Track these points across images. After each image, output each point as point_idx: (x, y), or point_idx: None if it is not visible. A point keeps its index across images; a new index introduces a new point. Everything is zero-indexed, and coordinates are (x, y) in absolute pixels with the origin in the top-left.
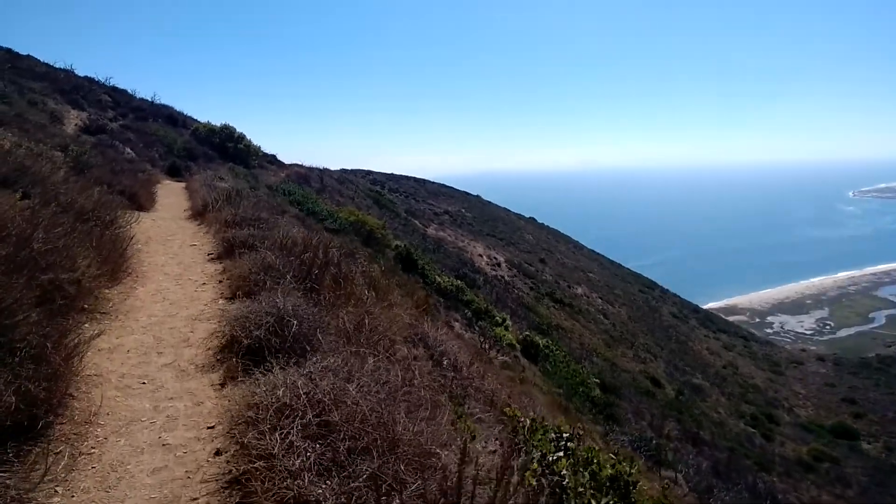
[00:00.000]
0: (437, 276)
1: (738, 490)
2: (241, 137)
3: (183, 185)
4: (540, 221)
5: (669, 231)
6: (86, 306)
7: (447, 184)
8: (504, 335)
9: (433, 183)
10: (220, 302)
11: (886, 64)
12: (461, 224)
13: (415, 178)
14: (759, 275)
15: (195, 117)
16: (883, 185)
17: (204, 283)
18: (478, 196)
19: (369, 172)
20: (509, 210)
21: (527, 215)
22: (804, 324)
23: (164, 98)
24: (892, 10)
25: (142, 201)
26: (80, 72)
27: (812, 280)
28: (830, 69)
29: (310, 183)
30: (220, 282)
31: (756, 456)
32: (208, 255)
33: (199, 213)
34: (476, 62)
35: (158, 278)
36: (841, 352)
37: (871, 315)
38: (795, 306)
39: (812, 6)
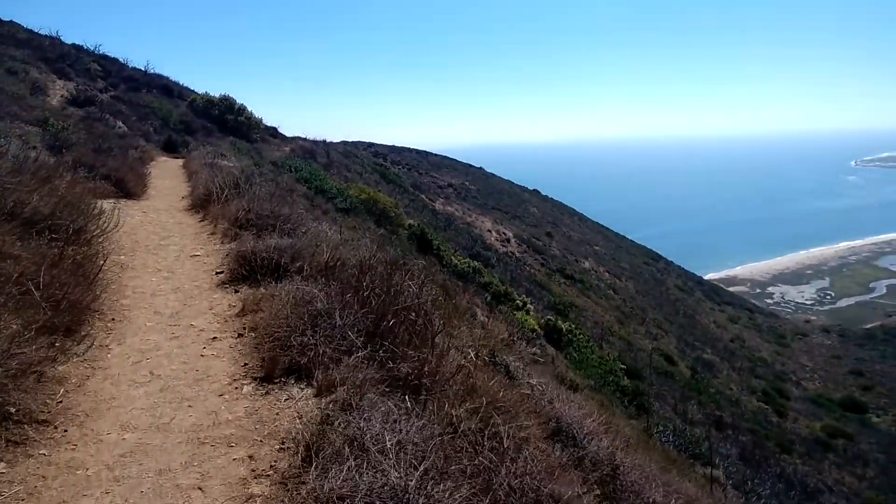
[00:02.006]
0: (452, 257)
1: (769, 479)
2: (242, 109)
3: (180, 162)
4: (544, 194)
5: (670, 202)
6: None
7: (449, 156)
8: (526, 320)
9: (435, 155)
10: (245, 388)
11: (890, 33)
12: (466, 198)
13: (417, 150)
14: (760, 245)
15: (192, 88)
16: (886, 154)
17: (215, 338)
18: (481, 168)
19: (371, 144)
20: (513, 182)
21: (530, 187)
22: (805, 294)
23: (159, 67)
24: None
25: (131, 187)
26: (67, 39)
27: (812, 250)
28: (833, 38)
29: (316, 158)
30: (240, 335)
31: (775, 437)
32: (216, 272)
33: (200, 204)
34: (477, 32)
35: (144, 324)
36: (842, 321)
37: (871, 285)
38: (796, 276)
39: None
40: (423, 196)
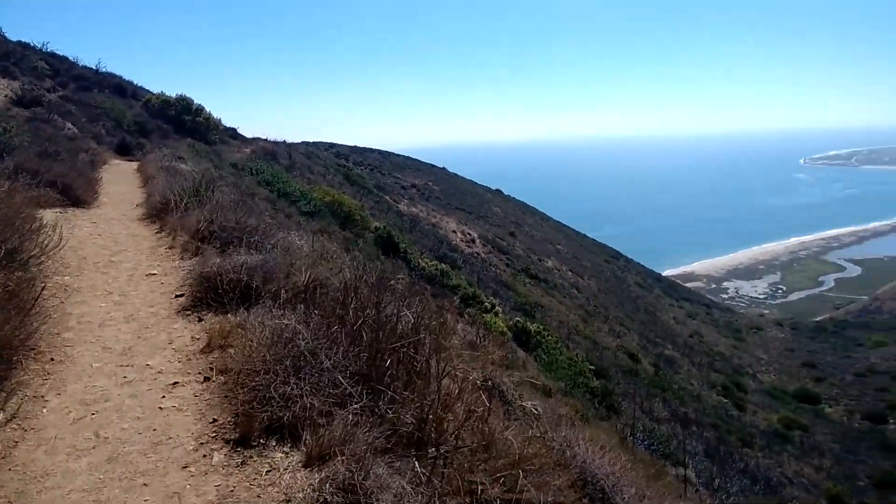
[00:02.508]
0: (419, 260)
1: (735, 475)
2: (200, 110)
3: (135, 165)
4: (506, 193)
5: (628, 202)
6: None
7: (411, 156)
8: (495, 322)
9: (398, 155)
10: (216, 456)
11: (835, 37)
12: (430, 198)
13: (379, 150)
14: (715, 242)
15: (147, 88)
16: (832, 153)
17: (176, 384)
18: (443, 168)
19: (332, 145)
20: (475, 182)
21: (493, 187)
22: (758, 288)
23: (111, 66)
24: None
25: (79, 193)
26: (12, 36)
27: (765, 246)
28: (782, 42)
29: (277, 159)
30: (207, 378)
31: (737, 431)
32: (176, 295)
33: (157, 213)
34: (438, 29)
35: (90, 364)
36: (793, 315)
37: (820, 279)
38: (749, 272)
39: None
40: (387, 197)
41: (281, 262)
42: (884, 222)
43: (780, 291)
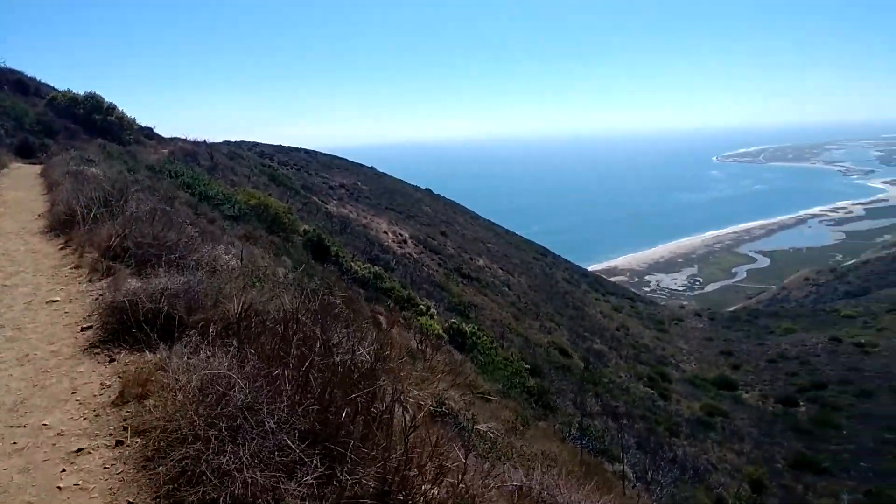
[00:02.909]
0: (352, 264)
1: (666, 466)
2: (112, 108)
3: (38, 169)
4: (436, 193)
5: (554, 199)
6: None
7: (339, 155)
8: (430, 325)
9: (325, 154)
10: None
11: (744, 41)
12: (359, 198)
13: (305, 149)
14: (636, 237)
15: (53, 85)
16: (742, 150)
17: (80, 451)
18: (372, 168)
19: (256, 144)
20: (405, 182)
21: (423, 187)
22: (677, 281)
23: (11, 62)
24: None
25: None
26: None
27: (683, 240)
28: (695, 45)
29: (198, 161)
30: (120, 442)
31: (664, 421)
32: (83, 328)
33: (61, 226)
34: (363, 27)
35: None
36: (710, 305)
37: (733, 270)
38: (669, 265)
39: None
40: (315, 198)
41: (208, 287)
42: (789, 215)
43: (697, 283)
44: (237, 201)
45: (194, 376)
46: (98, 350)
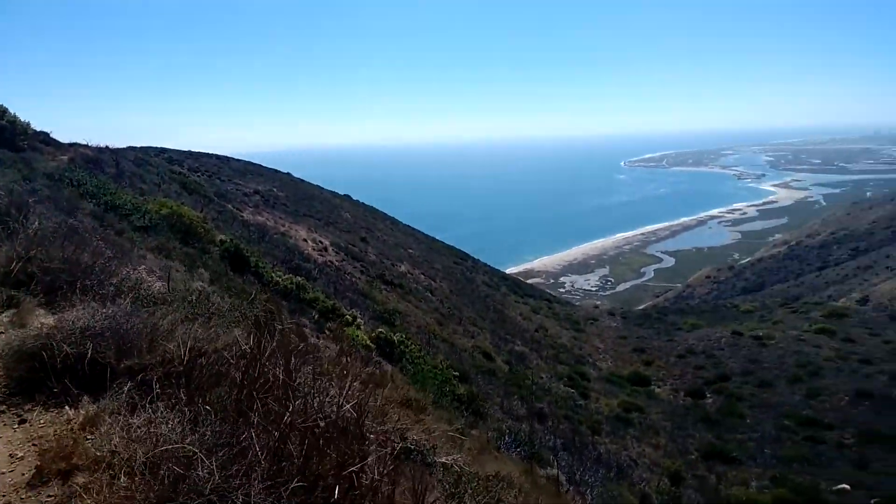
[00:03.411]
0: (272, 274)
1: (591, 465)
2: (3, 111)
3: None
4: (355, 198)
5: (471, 204)
6: None
7: (252, 161)
8: (357, 335)
9: (238, 160)
10: None
11: (644, 53)
12: (275, 205)
13: (217, 155)
14: (551, 240)
15: None
16: (648, 156)
17: None
18: (288, 173)
19: (163, 150)
20: (322, 188)
21: (341, 192)
22: (590, 281)
23: None
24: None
25: None
26: None
27: (595, 242)
28: (601, 58)
29: (102, 168)
30: None
31: (586, 420)
32: None
33: None
34: (265, 31)
35: None
36: (622, 304)
37: (642, 270)
38: (582, 266)
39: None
40: (229, 206)
41: (139, 323)
42: (691, 217)
43: (609, 283)
44: (147, 211)
45: (139, 448)
46: (2, 409)
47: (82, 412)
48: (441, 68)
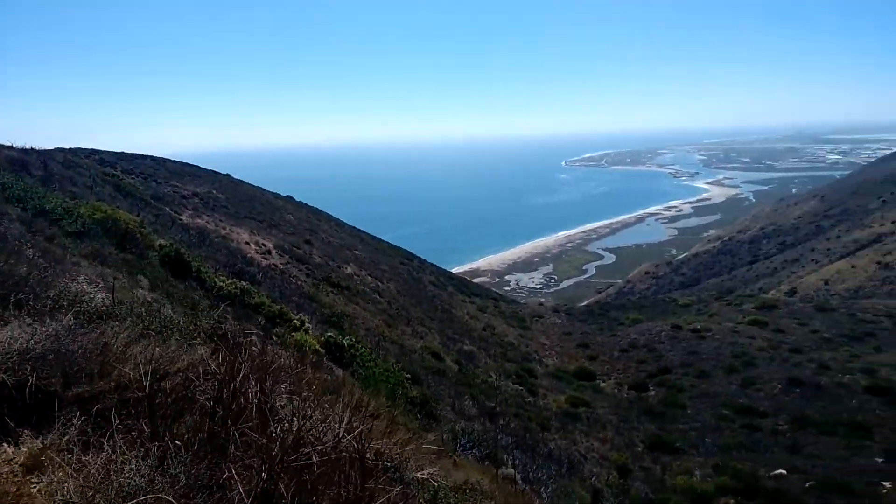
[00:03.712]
0: (216, 280)
1: (543, 462)
2: None
3: None
4: (298, 200)
5: (414, 204)
6: None
7: (189, 162)
8: (306, 340)
9: (174, 162)
10: None
11: (584, 57)
12: (215, 208)
13: (152, 156)
14: (496, 239)
15: None
16: (588, 155)
17: None
18: (227, 175)
19: (94, 151)
20: (264, 189)
21: (283, 194)
22: (534, 279)
23: None
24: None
25: None
26: None
27: (538, 241)
28: (549, 63)
29: (29, 171)
30: None
31: (536, 417)
32: None
33: None
34: (198, 27)
35: None
36: (565, 301)
37: (584, 267)
38: (526, 264)
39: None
40: (167, 209)
41: (87, 343)
42: (630, 215)
43: (553, 281)
44: (80, 215)
45: (99, 498)
46: None
47: (24, 450)
48: (377, 68)
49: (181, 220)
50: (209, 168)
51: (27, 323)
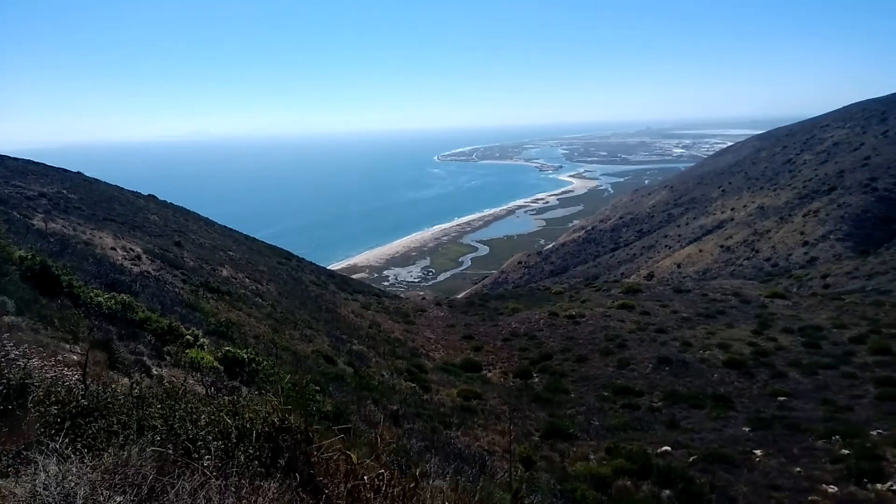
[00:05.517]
0: (91, 295)
1: (455, 464)
2: None
3: None
4: (162, 199)
5: (286, 200)
6: None
7: (33, 159)
8: (203, 357)
9: (14, 159)
10: None
11: (448, 56)
12: (68, 210)
13: None
14: (372, 234)
15: None
16: (459, 150)
17: None
18: (79, 173)
19: None
20: (122, 188)
21: (144, 192)
22: (413, 273)
23: None
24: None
25: None
26: None
27: (415, 235)
28: (419, 59)
29: None
30: None
31: (436, 415)
32: None
33: None
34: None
35: None
36: (444, 293)
37: (460, 259)
38: (404, 259)
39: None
40: (15, 213)
41: None
42: (501, 207)
43: (430, 274)
44: None
45: None
46: None
47: None
48: (243, 59)
49: (33, 224)
50: (55, 166)
51: None
